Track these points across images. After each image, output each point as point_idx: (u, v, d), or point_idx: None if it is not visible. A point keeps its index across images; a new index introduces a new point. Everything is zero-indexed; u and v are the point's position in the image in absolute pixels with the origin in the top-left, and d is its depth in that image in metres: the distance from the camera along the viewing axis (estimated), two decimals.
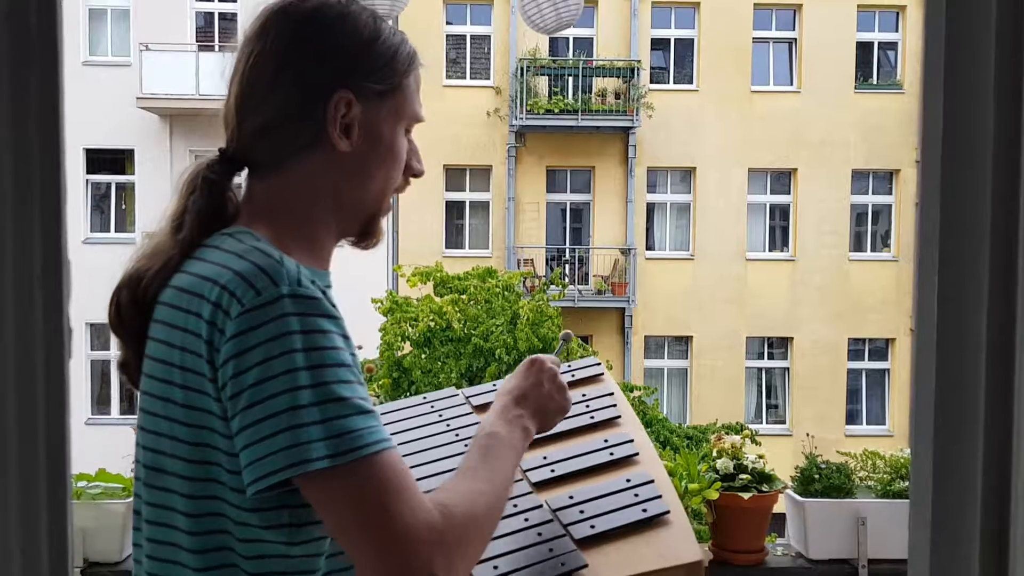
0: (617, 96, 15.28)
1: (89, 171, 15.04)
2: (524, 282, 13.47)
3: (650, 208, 15.72)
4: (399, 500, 0.81)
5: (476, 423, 1.32)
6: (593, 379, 1.46)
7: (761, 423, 15.29)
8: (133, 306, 0.95)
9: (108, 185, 15.31)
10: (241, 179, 0.99)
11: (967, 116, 0.66)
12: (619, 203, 15.52)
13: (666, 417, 12.05)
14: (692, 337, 15.50)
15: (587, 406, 1.37)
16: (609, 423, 1.34)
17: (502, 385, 1.15)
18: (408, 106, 1.01)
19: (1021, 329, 0.64)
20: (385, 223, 1.04)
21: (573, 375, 1.45)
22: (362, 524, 0.80)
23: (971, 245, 0.65)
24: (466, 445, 1.23)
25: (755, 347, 15.72)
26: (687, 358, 15.61)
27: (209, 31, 15.35)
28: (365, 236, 1.03)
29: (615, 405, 1.37)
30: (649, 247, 15.70)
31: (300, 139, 0.95)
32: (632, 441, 1.28)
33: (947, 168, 0.66)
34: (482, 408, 1.37)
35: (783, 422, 15.53)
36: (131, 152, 15.01)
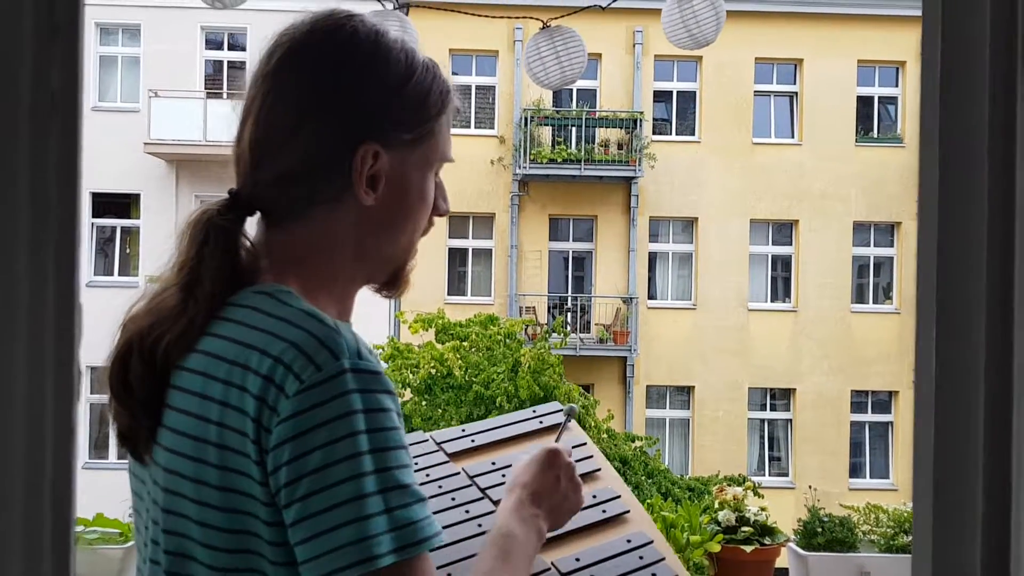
0: (620, 147, 15.38)
1: (95, 214, 15.11)
2: (526, 330, 13.43)
3: (652, 257, 15.73)
4: None
5: (455, 473, 1.28)
6: (556, 429, 1.38)
7: (764, 475, 15.10)
8: (147, 373, 0.85)
9: (113, 229, 15.38)
10: (251, 224, 0.92)
11: (961, 170, 0.67)
12: (621, 252, 15.52)
13: (668, 468, 11.93)
14: (694, 387, 15.40)
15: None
16: (590, 476, 1.29)
17: (516, 472, 1.08)
18: (438, 149, 0.94)
19: (1018, 381, 0.65)
20: (413, 272, 0.98)
21: (541, 422, 1.38)
22: None
23: (968, 297, 0.66)
24: (453, 499, 1.22)
25: (757, 398, 15.61)
26: (689, 408, 15.48)
27: (218, 79, 15.58)
28: (391, 285, 0.97)
29: (592, 456, 1.32)
30: (651, 296, 15.68)
31: (322, 191, 0.88)
32: (620, 497, 1.26)
33: (943, 222, 0.68)
34: (456, 456, 1.32)
35: (786, 474, 15.35)
36: (137, 197, 15.10)
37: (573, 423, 1.34)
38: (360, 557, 0.74)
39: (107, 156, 14.72)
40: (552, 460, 1.08)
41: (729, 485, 9.55)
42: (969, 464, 0.65)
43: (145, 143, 14.44)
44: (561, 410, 1.38)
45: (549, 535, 1.08)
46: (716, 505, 2.31)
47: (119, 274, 15.17)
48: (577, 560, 1.16)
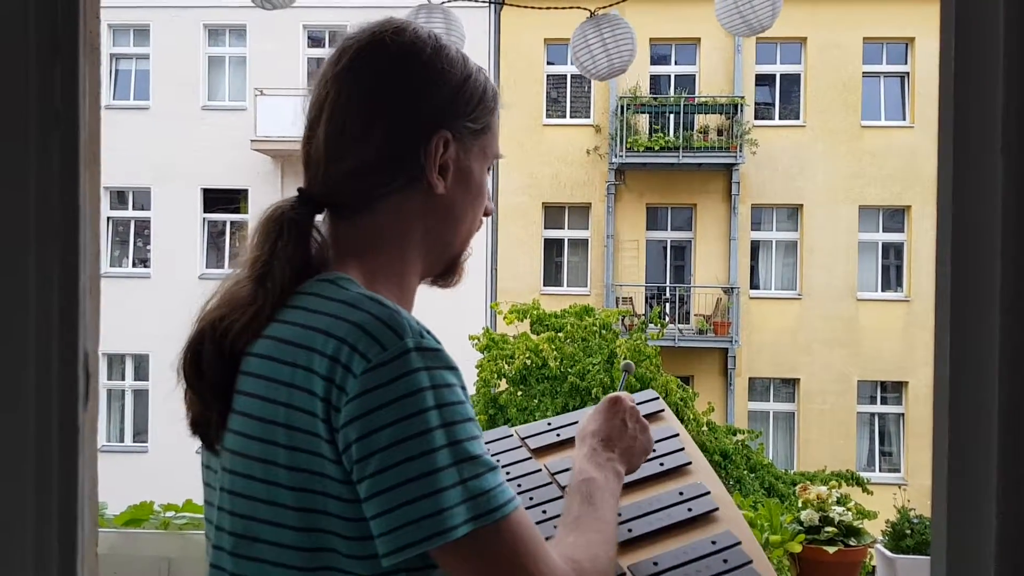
0: (720, 133, 15.14)
1: (206, 210, 15.81)
2: (622, 320, 13.36)
3: (755, 246, 15.46)
4: (536, 559, 0.80)
5: (536, 471, 1.25)
6: (653, 417, 1.33)
7: (874, 471, 14.63)
8: (218, 359, 0.88)
9: (224, 223, 16.07)
10: (321, 220, 0.96)
11: None
12: (722, 241, 15.30)
13: (771, 462, 11.65)
14: (799, 380, 15.05)
15: (654, 450, 1.24)
16: (680, 471, 1.23)
17: (583, 426, 1.10)
18: (494, 144, 1.00)
19: None
20: (467, 263, 1.02)
21: None
22: None
23: None
24: (531, 498, 1.20)
25: (867, 391, 15.12)
26: (794, 401, 15.15)
27: None
28: (447, 276, 1.01)
29: (683, 449, 1.26)
30: (754, 286, 15.42)
31: (395, 181, 0.92)
32: (709, 493, 1.19)
33: None
34: (540, 451, 1.29)
35: (897, 470, 14.83)
36: (245, 192, 15.70)
37: (668, 412, 1.32)
38: (436, 530, 0.76)
39: (217, 153, 15.37)
40: (615, 406, 1.10)
41: (837, 481, 9.17)
42: None
43: (252, 140, 14.98)
44: (656, 398, 1.35)
45: (629, 528, 1.09)
46: (800, 504, 2.23)
47: (228, 266, 15.74)
48: (655, 564, 1.09)
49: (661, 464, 1.24)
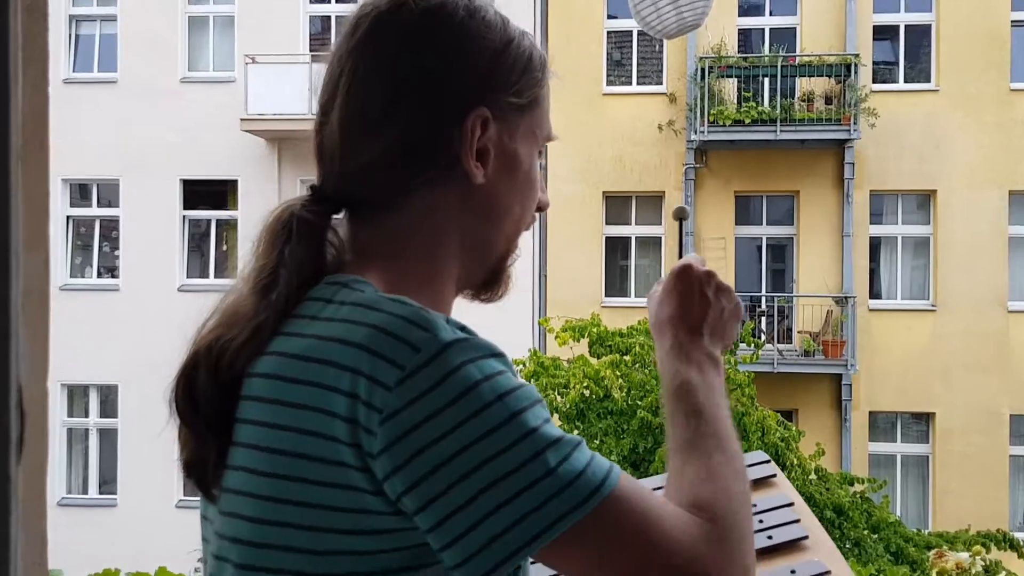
0: (828, 101, 15.11)
1: (187, 206, 16.05)
2: None
3: (875, 244, 15.42)
4: (657, 527, 0.83)
5: None
6: (763, 483, 1.37)
7: None
8: (214, 385, 0.92)
9: (208, 222, 16.29)
10: (339, 220, 1.00)
11: None
12: (832, 238, 15.25)
13: (899, 520, 11.49)
14: (934, 414, 14.94)
15: (760, 521, 1.28)
16: (793, 546, 1.26)
17: (655, 312, 1.11)
18: (545, 123, 1.03)
19: None
20: (514, 270, 1.05)
21: None
22: (636, 568, 0.83)
23: None
24: None
25: (1022, 429, 14.86)
26: (928, 441, 15.06)
27: (324, 38, 16.19)
28: (491, 286, 1.04)
29: (798, 520, 1.30)
30: (874, 295, 15.37)
31: (424, 171, 0.95)
32: (829, 574, 1.22)
33: None
34: None
35: None
36: (234, 183, 15.92)
37: (780, 477, 1.36)
38: (536, 530, 0.80)
39: (199, 136, 15.57)
40: (686, 276, 1.10)
41: (984, 543, 9.03)
42: None
43: (242, 119, 15.17)
44: (766, 461, 1.39)
45: None
46: (935, 574, 2.19)
47: (216, 275, 16.03)
48: None
49: (770, 537, 1.27)
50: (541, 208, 1.04)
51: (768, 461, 1.39)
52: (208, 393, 0.91)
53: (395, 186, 0.95)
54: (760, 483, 1.36)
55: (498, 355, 0.85)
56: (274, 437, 0.86)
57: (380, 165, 0.95)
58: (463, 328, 0.86)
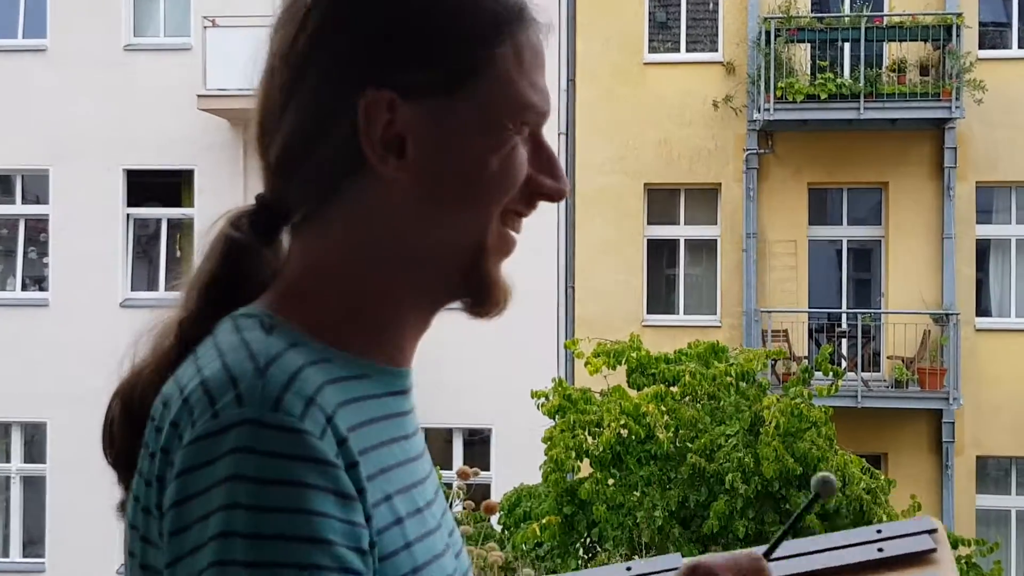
0: (924, 71, 15.08)
1: (131, 202, 16.05)
2: (773, 367, 13.39)
3: (982, 248, 15.48)
4: None
5: None
6: (920, 559, 1.38)
7: None
8: (126, 421, 1.04)
9: (157, 222, 16.31)
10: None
11: None
12: (929, 241, 15.25)
13: None
14: None
15: None
16: None
17: None
18: (511, 95, 1.03)
19: None
20: (504, 276, 1.08)
21: (881, 550, 1.39)
22: None
23: None
24: None
25: None
26: None
27: None
28: (473, 297, 1.07)
29: None
30: (982, 311, 15.40)
31: (333, 172, 1.01)
32: None
33: None
34: None
35: None
36: (189, 174, 15.97)
37: (945, 554, 1.37)
38: None
39: (147, 116, 15.59)
40: None
41: None
42: None
43: (199, 95, 15.22)
44: (932, 530, 1.41)
45: None
46: None
47: (166, 287, 16.07)
48: None
49: None
50: (548, 196, 1.07)
51: (934, 530, 1.39)
52: (121, 428, 1.04)
53: (309, 190, 1.02)
54: (917, 558, 1.37)
55: (316, 461, 0.88)
56: (135, 485, 0.98)
57: (286, 165, 1.03)
58: (314, 409, 0.90)
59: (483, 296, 1.06)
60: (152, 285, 16.14)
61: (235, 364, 0.92)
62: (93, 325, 14.89)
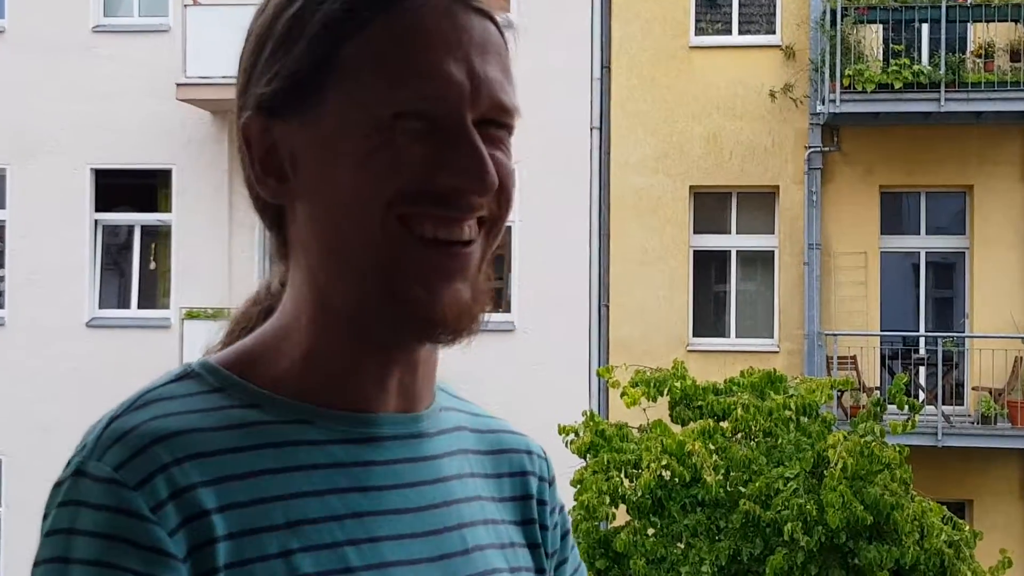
0: (1014, 57, 15.09)
1: (100, 206, 16.04)
2: (838, 399, 13.26)
3: None
4: None
5: None
6: None
7: None
8: None
9: (129, 229, 16.30)
10: None
11: None
12: (1021, 254, 15.26)
13: None
14: None
15: None
16: None
17: None
18: (371, 90, 1.06)
19: None
20: (455, 291, 1.07)
21: None
22: None
23: None
24: None
25: None
26: None
27: None
28: (412, 327, 1.08)
29: None
30: None
31: (267, 209, 1.15)
32: None
33: None
34: None
35: None
36: (166, 174, 15.97)
37: None
38: None
39: (118, 107, 15.58)
40: None
41: None
42: None
43: (178, 84, 15.22)
44: None
45: None
46: None
47: (140, 304, 16.10)
48: None
49: None
50: (445, 192, 1.05)
51: None
52: None
53: (266, 222, 1.16)
54: None
55: (115, 512, 0.96)
56: None
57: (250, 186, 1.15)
58: (135, 452, 0.99)
59: (418, 321, 1.07)
60: (123, 302, 16.15)
61: (108, 413, 1.04)
62: (55, 347, 14.93)
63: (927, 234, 15.76)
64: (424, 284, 1.05)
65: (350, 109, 1.06)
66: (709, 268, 15.74)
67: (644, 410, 11.41)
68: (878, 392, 13.35)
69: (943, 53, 14.89)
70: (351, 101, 1.06)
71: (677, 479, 10.73)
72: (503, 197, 1.08)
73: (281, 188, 1.09)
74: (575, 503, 10.82)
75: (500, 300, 14.08)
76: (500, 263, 14.61)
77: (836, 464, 10.44)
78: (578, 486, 10.87)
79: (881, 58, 15.09)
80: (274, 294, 1.17)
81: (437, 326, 1.05)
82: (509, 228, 15.04)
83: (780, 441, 10.93)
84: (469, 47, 1.06)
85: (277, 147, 1.09)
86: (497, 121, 1.08)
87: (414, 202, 1.05)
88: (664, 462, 10.67)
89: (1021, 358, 14.91)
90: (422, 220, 1.05)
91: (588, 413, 11.57)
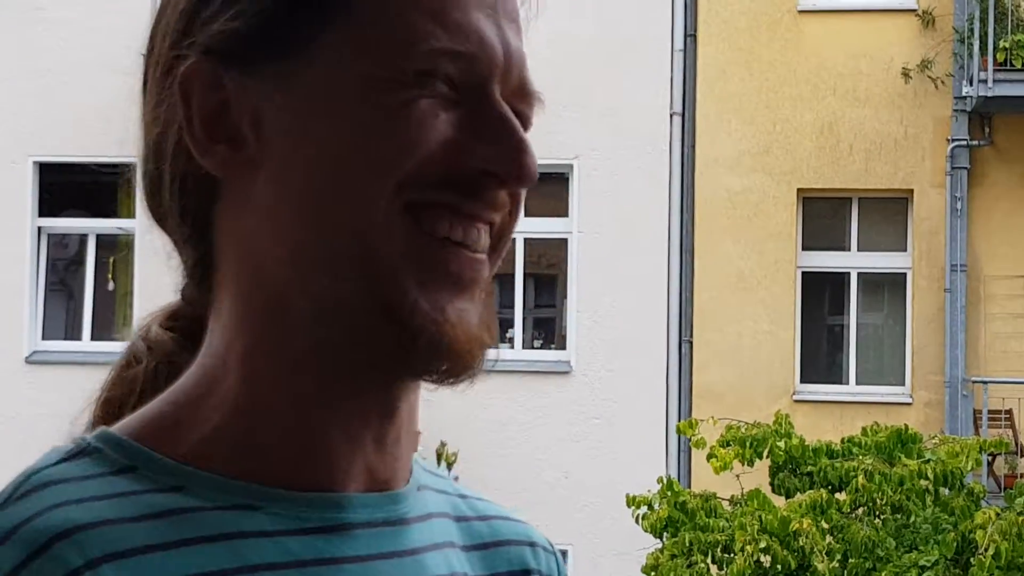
0: None
1: (44, 211, 16.32)
2: (990, 465, 13.40)
3: None
4: None
5: None
6: None
7: None
8: None
9: (81, 239, 16.57)
10: None
11: None
12: None
13: None
14: None
15: None
16: None
17: None
18: (391, 34, 1.04)
19: None
20: (460, 310, 1.04)
21: None
22: None
23: None
24: None
25: None
26: None
27: None
28: (408, 355, 1.03)
29: None
30: None
31: (183, 200, 1.11)
32: None
33: None
34: None
35: None
36: (128, 169, 15.88)
37: None
38: None
39: (68, 88, 15.76)
40: None
41: None
42: None
43: (144, 56, 15.23)
44: None
45: None
46: None
47: (94, 334, 16.33)
48: None
49: None
50: (496, 172, 1.04)
51: None
52: None
53: (179, 243, 1.15)
54: None
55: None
56: None
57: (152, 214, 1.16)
58: (33, 553, 0.92)
59: (420, 344, 1.02)
60: (73, 332, 16.46)
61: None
62: None
63: None
64: (429, 295, 1.02)
65: (358, 59, 1.03)
66: (822, 295, 15.96)
67: (738, 477, 11.54)
68: None
69: None
70: (358, 49, 1.03)
71: (780, 566, 10.80)
72: (515, 203, 1.07)
73: (235, 158, 1.05)
74: None
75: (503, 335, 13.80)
76: (508, 288, 14.75)
77: (986, 548, 10.46)
78: (652, 573, 10.98)
79: None
80: (162, 343, 1.16)
81: (442, 353, 1.01)
82: (564, 243, 15.17)
83: (913, 519, 11.00)
84: (496, 5, 1.06)
85: (230, 104, 1.05)
86: (516, 108, 1.06)
87: (432, 187, 1.03)
88: (763, 544, 10.74)
89: None
90: (438, 214, 1.03)
91: (665, 480, 11.62)
